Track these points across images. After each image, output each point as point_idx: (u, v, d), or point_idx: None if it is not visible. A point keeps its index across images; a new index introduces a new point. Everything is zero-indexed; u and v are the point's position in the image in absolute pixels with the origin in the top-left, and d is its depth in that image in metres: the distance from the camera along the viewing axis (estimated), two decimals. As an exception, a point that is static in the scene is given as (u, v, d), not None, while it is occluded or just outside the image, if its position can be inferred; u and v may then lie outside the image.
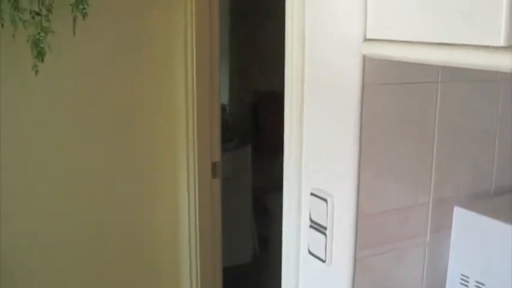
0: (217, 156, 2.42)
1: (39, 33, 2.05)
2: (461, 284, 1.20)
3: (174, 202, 2.49)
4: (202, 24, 2.26)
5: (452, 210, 1.22)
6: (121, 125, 2.41)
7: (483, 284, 1.15)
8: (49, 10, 2.07)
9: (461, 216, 1.21)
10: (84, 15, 2.08)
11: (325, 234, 1.24)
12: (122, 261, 2.53)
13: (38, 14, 2.04)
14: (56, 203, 2.35)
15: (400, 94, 1.15)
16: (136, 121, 2.44)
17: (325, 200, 1.23)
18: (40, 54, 2.07)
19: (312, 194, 1.28)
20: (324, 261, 1.25)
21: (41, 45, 2.06)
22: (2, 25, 2.05)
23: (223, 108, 3.12)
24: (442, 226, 1.27)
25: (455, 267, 1.23)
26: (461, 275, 1.20)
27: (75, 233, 2.40)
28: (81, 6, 2.06)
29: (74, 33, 2.11)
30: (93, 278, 2.47)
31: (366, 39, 1.05)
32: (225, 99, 3.88)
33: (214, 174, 2.41)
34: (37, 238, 2.33)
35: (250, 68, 4.02)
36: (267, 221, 4.20)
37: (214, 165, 2.41)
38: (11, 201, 2.25)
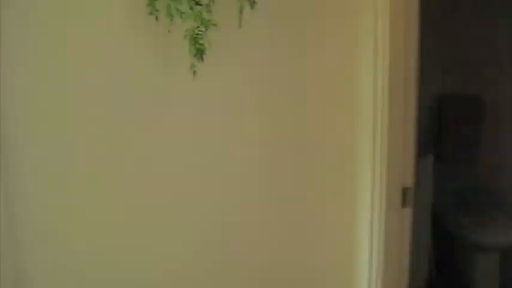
0: (409, 181, 2.07)
1: (198, 26, 1.84)
2: None
3: (349, 233, 2.20)
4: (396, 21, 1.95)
5: None
6: (289, 137, 2.16)
7: None
8: (211, -1, 1.86)
9: None
10: (252, 4, 1.84)
11: None
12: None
13: (197, 3, 1.84)
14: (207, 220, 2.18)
15: None
16: (308, 133, 2.16)
17: None
18: (199, 52, 1.87)
19: None
20: None
21: (200, 42, 1.85)
22: (157, 18, 1.87)
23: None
24: None
25: None
26: None
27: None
28: (248, -7, 1.83)
29: (240, 25, 1.89)
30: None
31: None
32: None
33: (404, 202, 2.08)
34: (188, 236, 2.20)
35: (433, 69, 3.72)
36: (445, 243, 3.94)
37: (405, 191, 2.07)
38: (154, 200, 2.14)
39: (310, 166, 2.19)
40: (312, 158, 2.19)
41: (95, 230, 2.13)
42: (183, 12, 1.85)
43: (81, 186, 2.09)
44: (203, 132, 2.10)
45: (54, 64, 1.99)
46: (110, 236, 2.14)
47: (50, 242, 2.12)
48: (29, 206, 2.09)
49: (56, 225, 2.12)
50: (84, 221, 2.11)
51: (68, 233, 2.12)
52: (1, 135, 2.01)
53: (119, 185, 2.10)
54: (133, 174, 2.09)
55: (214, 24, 1.86)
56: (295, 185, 2.20)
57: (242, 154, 2.14)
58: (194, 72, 1.89)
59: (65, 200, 2.09)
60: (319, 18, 2.07)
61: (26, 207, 2.08)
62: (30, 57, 1.97)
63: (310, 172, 2.20)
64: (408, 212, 2.12)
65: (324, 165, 2.19)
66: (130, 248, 2.15)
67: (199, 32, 1.85)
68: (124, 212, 2.12)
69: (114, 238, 2.14)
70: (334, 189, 2.21)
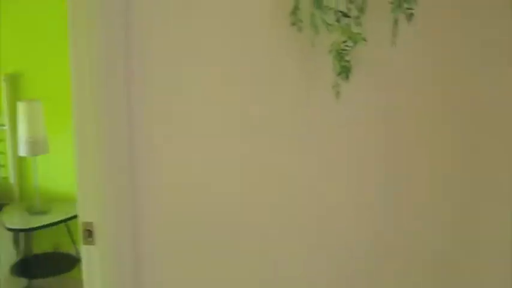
0: None
1: (345, 41, 1.64)
2: None
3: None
4: None
5: None
6: (451, 180, 1.87)
7: None
8: (361, 10, 1.64)
9: None
10: (409, 16, 1.60)
11: None
12: None
13: (345, 15, 1.64)
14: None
15: None
16: (470, 172, 1.87)
17: None
18: (345, 70, 1.67)
19: None
20: None
21: (347, 58, 1.65)
22: (300, 29, 1.70)
23: None
24: None
25: None
26: None
27: None
28: (405, 5, 1.58)
29: (394, 41, 1.65)
30: None
31: None
32: None
33: None
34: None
35: None
36: None
37: None
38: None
39: (466, 206, 1.91)
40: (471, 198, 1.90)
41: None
42: (330, 24, 1.66)
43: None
44: (344, 160, 1.90)
45: (189, 69, 1.91)
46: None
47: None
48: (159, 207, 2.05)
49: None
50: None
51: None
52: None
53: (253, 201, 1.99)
54: (267, 189, 1.97)
55: (364, 39, 1.65)
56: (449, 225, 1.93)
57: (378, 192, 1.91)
58: (337, 93, 1.70)
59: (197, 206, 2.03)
60: (495, 35, 1.75)
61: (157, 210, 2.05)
62: (165, 63, 1.92)
63: (467, 212, 1.91)
64: None
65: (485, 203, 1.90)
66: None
67: (346, 48, 1.65)
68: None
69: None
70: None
